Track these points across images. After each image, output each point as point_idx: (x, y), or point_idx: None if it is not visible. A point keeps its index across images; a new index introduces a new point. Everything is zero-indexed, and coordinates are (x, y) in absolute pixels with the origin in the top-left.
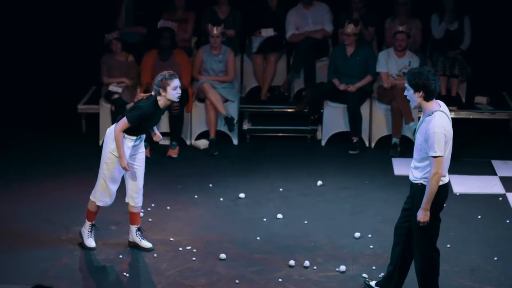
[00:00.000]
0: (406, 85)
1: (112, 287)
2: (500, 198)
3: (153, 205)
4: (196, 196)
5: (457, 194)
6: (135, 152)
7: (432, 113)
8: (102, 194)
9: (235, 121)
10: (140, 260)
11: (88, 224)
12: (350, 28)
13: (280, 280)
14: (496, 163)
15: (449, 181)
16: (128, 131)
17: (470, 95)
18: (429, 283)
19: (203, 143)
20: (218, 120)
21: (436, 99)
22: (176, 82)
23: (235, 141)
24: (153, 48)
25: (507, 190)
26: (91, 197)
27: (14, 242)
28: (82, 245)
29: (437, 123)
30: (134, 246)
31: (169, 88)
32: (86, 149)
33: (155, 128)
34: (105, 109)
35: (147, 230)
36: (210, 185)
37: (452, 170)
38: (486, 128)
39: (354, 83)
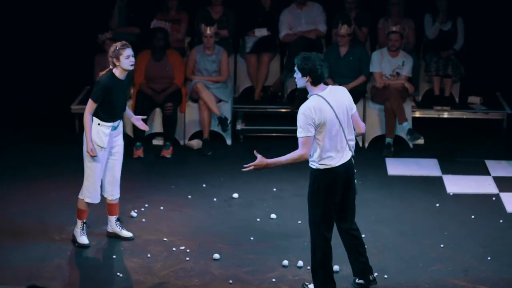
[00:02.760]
0: (295, 68)
1: (106, 287)
2: (494, 198)
3: (146, 205)
4: (189, 197)
5: (451, 194)
6: (113, 144)
7: (310, 96)
8: (89, 190)
9: (228, 121)
10: (134, 260)
11: (79, 222)
12: (343, 29)
13: (273, 280)
14: (489, 163)
15: (340, 165)
16: (101, 115)
17: (463, 95)
18: (315, 265)
19: (196, 143)
20: (211, 120)
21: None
22: (128, 51)
23: (229, 141)
24: (147, 48)
25: (500, 190)
26: (80, 196)
27: (7, 242)
28: (75, 244)
29: (304, 105)
30: (114, 236)
31: (122, 58)
32: (79, 149)
33: (131, 114)
34: None
35: (141, 230)
36: (204, 185)
37: (445, 170)
38: (480, 128)
39: (348, 83)
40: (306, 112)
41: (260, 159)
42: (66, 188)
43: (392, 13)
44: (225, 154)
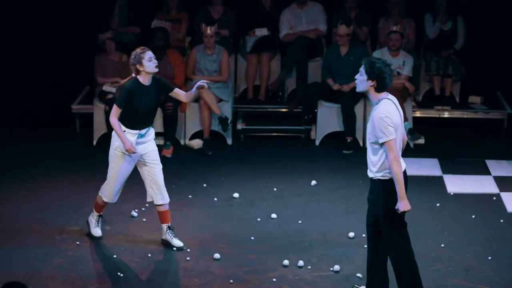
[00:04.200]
0: (361, 69)
1: (106, 287)
2: (494, 198)
3: (147, 205)
4: (190, 196)
5: (451, 193)
6: (144, 151)
7: (379, 100)
8: (107, 190)
9: (229, 121)
10: (134, 260)
11: (95, 214)
12: (342, 30)
13: (274, 280)
14: (490, 163)
15: (404, 171)
16: (125, 122)
17: (464, 95)
18: (407, 276)
19: (197, 143)
20: (212, 120)
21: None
22: (149, 54)
23: (229, 141)
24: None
25: (501, 190)
26: (100, 192)
27: (7, 242)
28: (88, 234)
29: (382, 109)
30: (167, 244)
31: (144, 61)
32: (80, 149)
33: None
34: (99, 109)
35: (141, 230)
36: (204, 185)
37: (446, 170)
38: (480, 128)
39: (348, 83)
40: (382, 116)
41: (400, 206)
42: (67, 188)
43: (393, 13)
44: (226, 154)
